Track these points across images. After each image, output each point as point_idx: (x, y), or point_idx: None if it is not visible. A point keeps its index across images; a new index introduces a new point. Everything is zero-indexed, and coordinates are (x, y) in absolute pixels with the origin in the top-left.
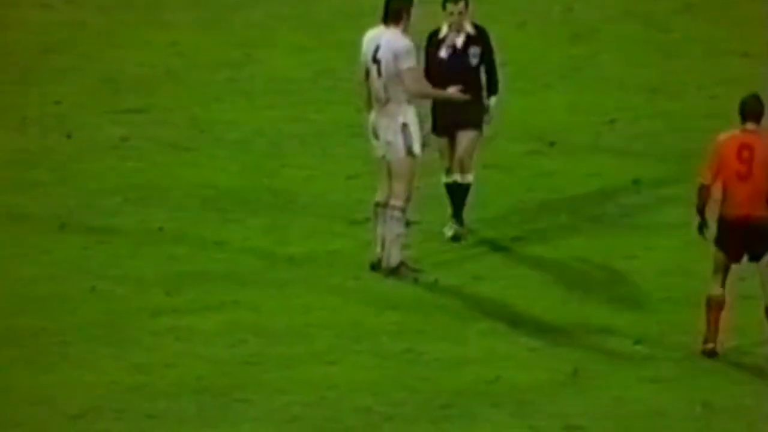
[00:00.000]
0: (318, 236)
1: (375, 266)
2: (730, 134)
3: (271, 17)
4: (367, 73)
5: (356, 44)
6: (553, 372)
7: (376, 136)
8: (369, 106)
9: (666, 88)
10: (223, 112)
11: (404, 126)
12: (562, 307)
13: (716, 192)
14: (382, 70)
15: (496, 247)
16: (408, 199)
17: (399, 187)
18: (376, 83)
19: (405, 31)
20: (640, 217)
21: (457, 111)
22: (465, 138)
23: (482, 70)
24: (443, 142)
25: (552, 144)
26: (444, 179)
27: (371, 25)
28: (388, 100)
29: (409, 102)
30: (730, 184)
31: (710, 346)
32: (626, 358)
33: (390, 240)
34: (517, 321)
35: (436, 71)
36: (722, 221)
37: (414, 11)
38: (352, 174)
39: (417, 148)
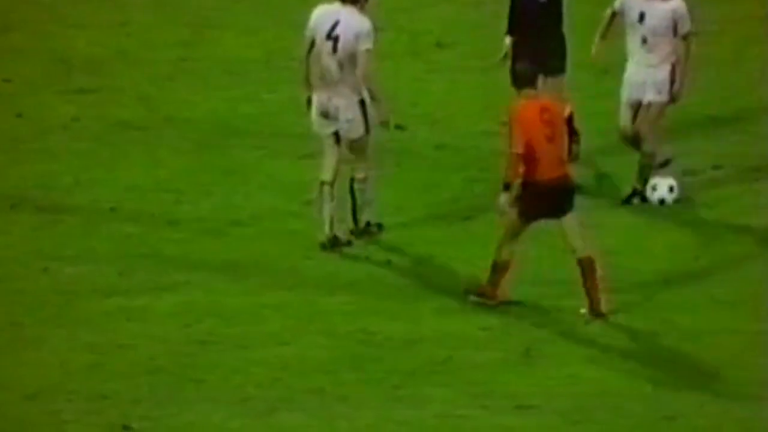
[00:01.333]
0: (271, 216)
1: (326, 246)
2: (525, 102)
3: None
4: (311, 47)
5: None
6: (506, 351)
7: (326, 115)
8: (308, 83)
9: (615, 69)
10: (175, 92)
11: (362, 103)
12: (514, 287)
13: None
14: (339, 47)
15: (448, 226)
16: (371, 169)
17: (362, 161)
18: (328, 60)
19: (362, 10)
20: (589, 196)
21: (537, 58)
22: (550, 85)
23: (557, 11)
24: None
25: (505, 123)
26: None
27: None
28: (340, 79)
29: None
30: (539, 147)
31: (491, 296)
32: (578, 338)
33: (360, 205)
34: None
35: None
36: (534, 186)
37: None
38: (305, 154)
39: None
